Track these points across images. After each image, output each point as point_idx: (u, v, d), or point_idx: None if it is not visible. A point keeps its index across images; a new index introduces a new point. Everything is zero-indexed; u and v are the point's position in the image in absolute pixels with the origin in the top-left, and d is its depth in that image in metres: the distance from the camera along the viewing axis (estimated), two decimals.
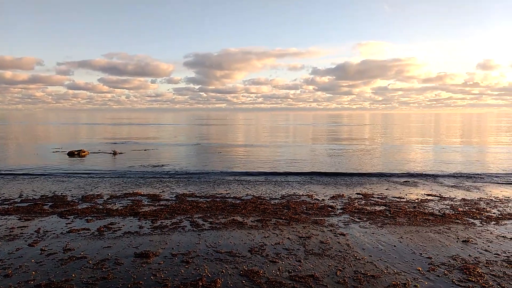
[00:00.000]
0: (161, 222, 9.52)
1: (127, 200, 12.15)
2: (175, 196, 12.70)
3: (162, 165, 20.50)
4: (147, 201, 11.94)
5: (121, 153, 26.29)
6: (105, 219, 9.88)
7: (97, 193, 13.17)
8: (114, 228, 9.09)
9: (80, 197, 12.59)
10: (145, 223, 9.50)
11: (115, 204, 11.60)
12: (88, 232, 8.72)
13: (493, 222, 9.73)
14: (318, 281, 6.17)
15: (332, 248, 7.78)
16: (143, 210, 10.78)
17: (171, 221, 9.61)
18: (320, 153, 27.03)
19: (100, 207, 11.17)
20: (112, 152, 26.22)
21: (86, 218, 9.93)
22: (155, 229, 8.95)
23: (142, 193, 13.15)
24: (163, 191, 13.57)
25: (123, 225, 9.31)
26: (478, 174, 17.62)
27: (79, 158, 23.71)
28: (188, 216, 10.14)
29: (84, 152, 25.35)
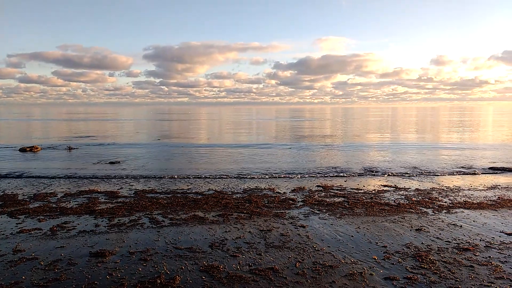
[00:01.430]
0: (118, 220, 9.23)
1: (83, 197, 11.70)
2: (134, 193, 12.37)
3: (121, 161, 19.87)
4: (104, 199, 11.55)
5: (76, 148, 25.27)
6: (58, 218, 9.45)
7: (50, 191, 12.58)
8: (68, 227, 8.72)
9: (32, 195, 11.97)
10: (102, 221, 9.18)
11: (70, 202, 11.14)
12: (40, 232, 8.31)
13: (445, 211, 10.22)
14: (278, 274, 6.22)
15: (292, 240, 7.87)
16: (99, 207, 10.41)
17: (129, 219, 9.35)
18: (282, 148, 27.29)
19: (54, 205, 10.68)
20: (67, 148, 25.16)
21: (38, 217, 9.46)
22: (112, 227, 8.67)
23: (98, 190, 12.70)
24: (121, 188, 13.17)
25: (78, 224, 8.95)
26: (431, 165, 18.45)
27: (31, 154, 22.54)
28: (147, 212, 9.91)
29: (36, 148, 24.14)
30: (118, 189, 13.01)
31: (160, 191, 12.73)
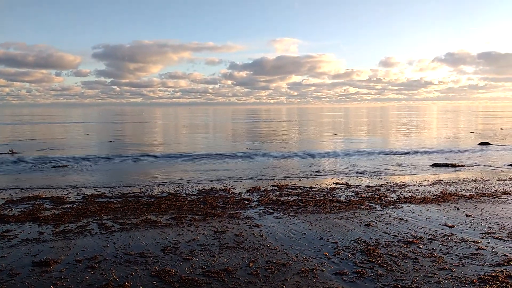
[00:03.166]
0: (64, 227, 8.79)
1: (26, 204, 11.02)
2: (82, 198, 11.84)
3: (67, 165, 18.94)
4: (50, 205, 10.95)
5: (20, 152, 23.77)
6: None
7: None
8: (9, 235, 8.18)
9: None
10: (46, 228, 8.69)
11: (12, 209, 10.46)
12: None
13: (392, 206, 10.69)
14: (231, 274, 6.20)
15: (246, 240, 7.88)
16: (44, 214, 9.86)
17: (76, 225, 8.92)
18: (239, 148, 27.30)
19: None
20: (10, 151, 23.63)
21: None
22: (58, 234, 8.24)
23: (43, 196, 12.02)
24: (68, 193, 12.55)
25: (21, 232, 8.43)
26: (380, 163, 19.23)
27: None
28: (96, 218, 9.51)
29: None
30: (64, 194, 12.39)
31: (111, 195, 12.28)
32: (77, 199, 11.74)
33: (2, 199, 11.75)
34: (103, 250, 7.33)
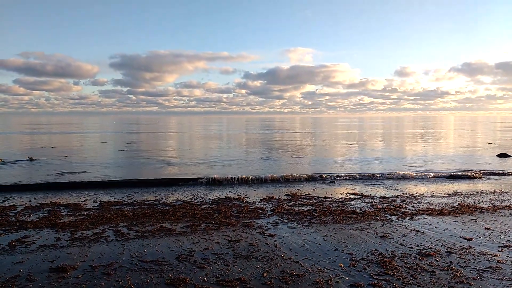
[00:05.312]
0: (81, 233, 8.92)
1: (44, 211, 11.24)
2: (98, 205, 12.01)
3: (85, 172, 19.27)
4: (67, 211, 11.14)
5: (38, 159, 24.27)
6: (17, 232, 9.03)
7: (9, 204, 12.02)
8: (27, 241, 8.35)
9: None
10: (63, 235, 8.84)
11: (30, 215, 10.67)
12: None
13: (408, 218, 10.53)
14: (245, 284, 6.19)
15: (260, 250, 7.86)
16: (61, 221, 10.03)
17: (92, 232, 9.05)
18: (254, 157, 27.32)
19: (13, 219, 10.19)
20: (29, 158, 24.15)
21: None
22: (74, 241, 8.37)
23: (61, 203, 12.24)
24: (85, 200, 12.76)
25: (38, 238, 8.59)
26: (396, 173, 18.97)
27: None
28: (112, 225, 9.63)
29: None
30: (81, 201, 12.59)
31: (126, 202, 12.42)
32: (93, 206, 11.92)
33: (21, 205, 12.00)
34: (118, 257, 7.41)
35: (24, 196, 13.37)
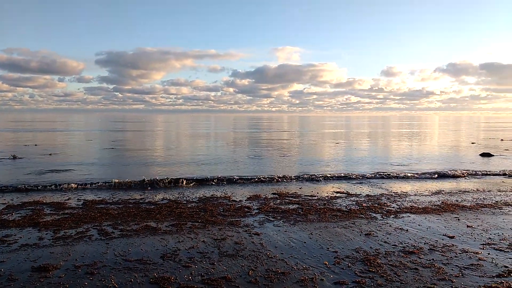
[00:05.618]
0: (64, 232, 8.79)
1: (26, 209, 11.03)
2: (82, 204, 11.85)
3: (69, 170, 18.98)
4: (50, 210, 10.96)
5: (22, 158, 23.83)
6: None
7: None
8: (9, 240, 8.19)
9: None
10: (46, 234, 8.69)
11: (12, 214, 10.47)
12: None
13: (392, 216, 10.66)
14: (231, 283, 6.18)
15: (246, 248, 7.86)
16: (44, 219, 9.86)
17: (76, 231, 8.92)
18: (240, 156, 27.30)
19: None
20: (12, 156, 23.68)
21: None
22: (57, 240, 8.24)
23: (44, 202, 12.04)
24: (69, 199, 12.57)
25: (20, 237, 8.43)
26: (382, 172, 19.18)
27: None
28: (96, 224, 9.51)
29: None
30: (65, 200, 12.40)
31: (111, 201, 12.29)
32: (77, 204, 11.75)
33: (3, 204, 11.76)
34: (102, 256, 7.32)
35: (6, 195, 13.11)
